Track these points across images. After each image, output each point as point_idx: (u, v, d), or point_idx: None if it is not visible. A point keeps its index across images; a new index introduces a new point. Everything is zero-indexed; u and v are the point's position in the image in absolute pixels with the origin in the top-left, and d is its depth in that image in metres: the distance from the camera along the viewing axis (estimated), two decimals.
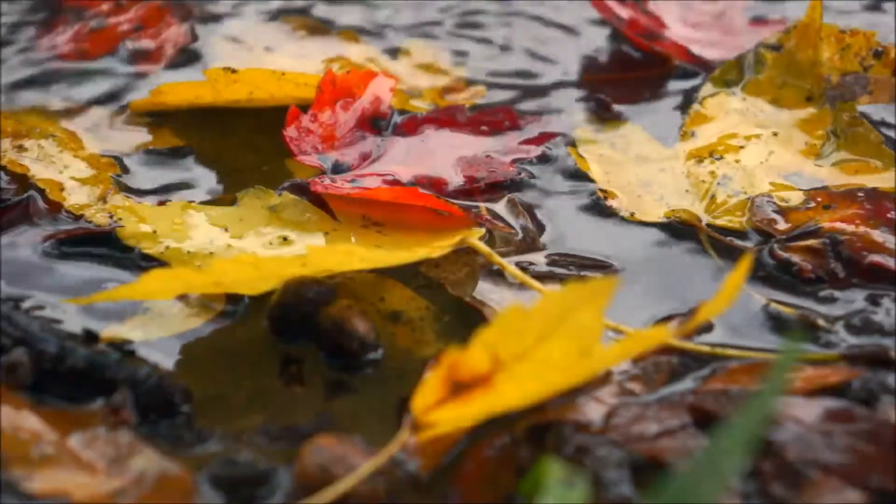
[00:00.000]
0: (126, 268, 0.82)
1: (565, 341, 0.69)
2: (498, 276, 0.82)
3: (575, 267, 0.84)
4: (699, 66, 0.99)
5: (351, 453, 0.70)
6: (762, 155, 0.91)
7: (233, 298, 0.80)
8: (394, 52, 1.02)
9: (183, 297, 0.80)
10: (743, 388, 0.74)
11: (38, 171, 0.88)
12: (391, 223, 0.84)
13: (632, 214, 0.88)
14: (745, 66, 0.97)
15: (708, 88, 0.97)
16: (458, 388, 0.69)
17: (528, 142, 0.92)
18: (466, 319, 0.79)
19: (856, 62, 0.94)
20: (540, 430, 0.72)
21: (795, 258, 0.83)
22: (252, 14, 1.05)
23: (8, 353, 0.75)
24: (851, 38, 0.95)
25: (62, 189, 0.87)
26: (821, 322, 0.80)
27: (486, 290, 0.81)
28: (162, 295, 0.78)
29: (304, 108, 0.90)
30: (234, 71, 0.92)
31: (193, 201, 0.87)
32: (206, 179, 0.90)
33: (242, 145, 0.92)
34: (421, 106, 0.96)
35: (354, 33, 1.03)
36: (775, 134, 0.93)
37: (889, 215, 0.85)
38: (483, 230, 0.84)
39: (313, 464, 0.69)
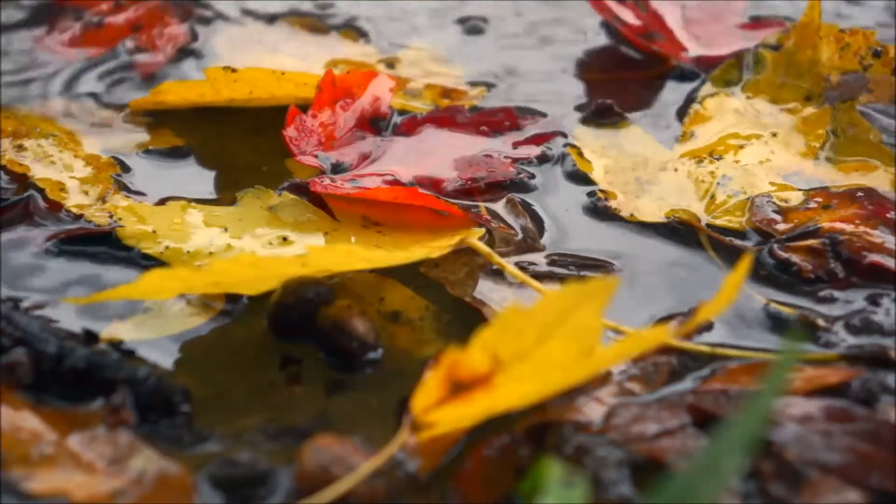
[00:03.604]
0: (126, 267, 0.82)
1: (565, 341, 0.69)
2: (498, 276, 0.82)
3: (575, 267, 0.84)
4: (699, 67, 0.99)
5: (351, 453, 0.70)
6: (762, 155, 0.91)
7: (232, 298, 0.80)
8: (394, 53, 1.02)
9: (183, 297, 0.80)
10: (743, 388, 0.74)
11: (38, 171, 0.88)
12: (391, 223, 0.84)
13: (632, 214, 0.88)
14: (744, 66, 0.97)
15: (707, 88, 0.97)
16: (458, 388, 0.69)
17: (528, 142, 0.92)
18: (466, 319, 0.79)
19: (855, 61, 0.94)
20: (540, 430, 0.72)
21: (795, 258, 0.83)
22: (252, 14, 1.05)
23: (8, 353, 0.75)
24: (850, 37, 0.95)
25: (62, 189, 0.87)
26: (821, 322, 0.80)
27: (486, 290, 0.81)
28: (161, 295, 0.78)
29: (304, 107, 0.90)
30: (234, 70, 0.92)
31: (193, 201, 0.87)
32: (206, 179, 0.90)
33: (242, 145, 0.92)
34: (421, 106, 0.96)
35: (354, 33, 1.03)
36: (775, 134, 0.93)
37: (889, 215, 0.85)
38: (483, 230, 0.84)
39: (313, 464, 0.69)
